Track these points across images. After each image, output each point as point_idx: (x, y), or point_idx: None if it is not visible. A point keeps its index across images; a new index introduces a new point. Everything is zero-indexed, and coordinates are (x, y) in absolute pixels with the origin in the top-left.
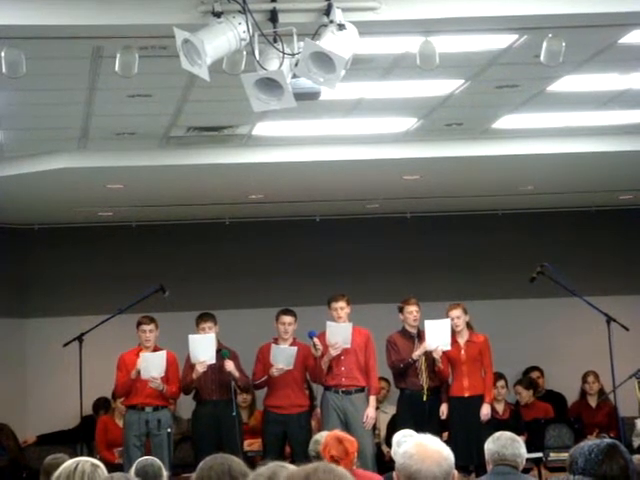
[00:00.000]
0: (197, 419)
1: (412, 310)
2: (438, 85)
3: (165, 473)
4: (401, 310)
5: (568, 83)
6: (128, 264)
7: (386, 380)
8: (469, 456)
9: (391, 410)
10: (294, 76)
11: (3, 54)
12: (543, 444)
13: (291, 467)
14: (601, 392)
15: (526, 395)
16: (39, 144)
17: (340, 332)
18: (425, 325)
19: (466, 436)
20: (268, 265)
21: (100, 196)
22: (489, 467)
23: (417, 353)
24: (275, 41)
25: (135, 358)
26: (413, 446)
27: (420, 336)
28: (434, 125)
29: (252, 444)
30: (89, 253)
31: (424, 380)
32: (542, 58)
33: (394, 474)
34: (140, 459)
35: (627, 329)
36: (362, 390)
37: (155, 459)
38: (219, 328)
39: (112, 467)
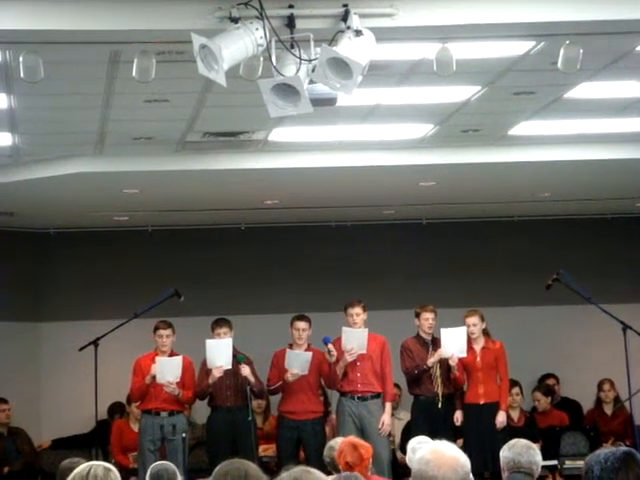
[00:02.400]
0: (212, 424)
1: (428, 317)
2: (455, 91)
3: (180, 478)
4: (417, 315)
5: (585, 90)
6: (144, 269)
7: (398, 386)
8: (484, 463)
9: (405, 416)
10: (311, 82)
11: (21, 59)
12: (558, 452)
13: (316, 472)
14: (617, 400)
15: (544, 402)
16: (56, 149)
17: (356, 338)
18: (441, 333)
19: (481, 443)
20: (283, 271)
21: (116, 201)
22: (504, 474)
23: (432, 360)
24: (292, 47)
25: (151, 363)
26: (429, 452)
27: (434, 343)
28: (451, 131)
29: (267, 449)
30: (105, 257)
31: (438, 387)
32: (559, 65)
33: None
34: (155, 463)
35: None
36: (378, 396)
37: (169, 463)
38: (234, 333)
39: (127, 472)
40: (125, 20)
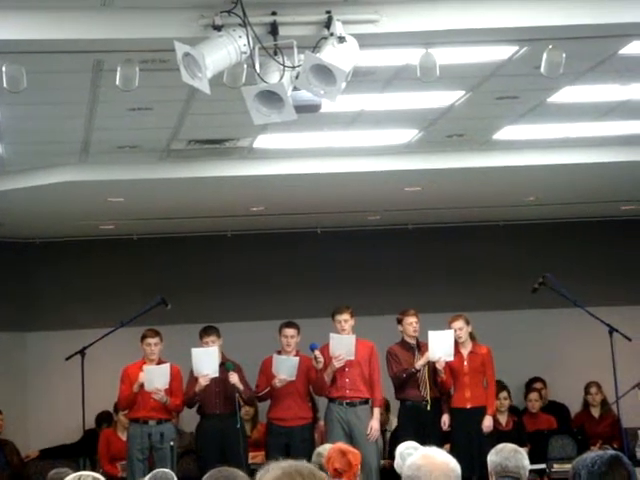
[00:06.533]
0: (201, 432)
1: (412, 321)
2: (439, 97)
3: None
4: (400, 322)
5: (568, 94)
6: (130, 277)
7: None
8: (471, 468)
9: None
10: (295, 89)
11: (4, 69)
12: (546, 455)
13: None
14: (604, 403)
15: (538, 404)
16: (40, 158)
17: (343, 344)
18: (429, 336)
19: (468, 447)
20: (270, 277)
21: (101, 209)
22: (492, 479)
23: (420, 363)
24: (275, 54)
25: (139, 371)
26: (420, 457)
27: (420, 347)
28: (435, 137)
29: (256, 457)
30: (91, 266)
31: (426, 390)
32: (542, 69)
33: None
34: (156, 470)
35: (629, 339)
36: (366, 402)
37: (168, 470)
38: (222, 341)
39: None
40: (108, 29)
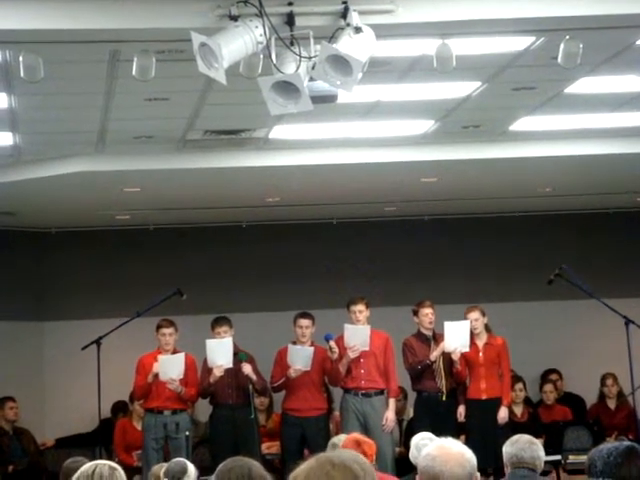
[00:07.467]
0: (214, 422)
1: (427, 312)
2: (455, 87)
3: (192, 471)
4: (416, 313)
5: (585, 85)
6: (145, 267)
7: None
8: (487, 459)
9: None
10: (311, 79)
11: (21, 59)
12: (562, 446)
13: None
14: (620, 394)
15: (553, 396)
16: (57, 148)
17: (358, 334)
18: (445, 326)
19: (483, 439)
20: (286, 268)
21: (117, 199)
22: (507, 470)
23: (435, 354)
24: (292, 44)
25: (154, 361)
26: (435, 448)
27: (436, 338)
28: (451, 127)
29: (270, 447)
30: (106, 256)
31: (442, 381)
32: (559, 60)
33: (417, 477)
34: (174, 460)
35: None
36: (382, 393)
37: (182, 460)
38: (235, 331)
39: (131, 470)
40: (125, 19)
